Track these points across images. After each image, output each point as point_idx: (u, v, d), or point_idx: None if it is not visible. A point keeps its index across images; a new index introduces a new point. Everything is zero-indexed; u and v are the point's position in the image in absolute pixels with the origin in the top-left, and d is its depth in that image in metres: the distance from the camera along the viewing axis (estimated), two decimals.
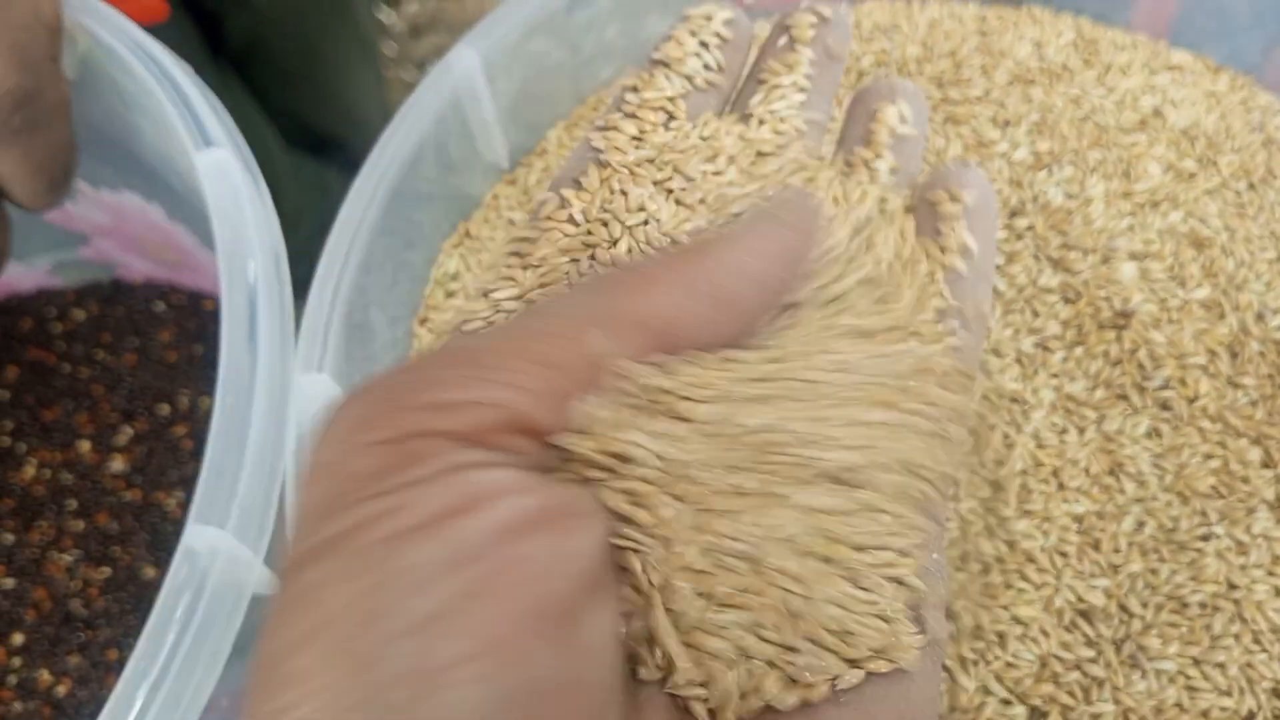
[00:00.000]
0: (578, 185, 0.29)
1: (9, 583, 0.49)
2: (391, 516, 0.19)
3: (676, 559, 0.21)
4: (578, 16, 0.47)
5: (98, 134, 0.44)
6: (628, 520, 0.22)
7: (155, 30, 0.42)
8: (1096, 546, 0.37)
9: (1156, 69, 0.50)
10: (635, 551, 0.21)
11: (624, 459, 0.22)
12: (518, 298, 0.27)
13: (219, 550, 0.32)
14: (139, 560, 0.49)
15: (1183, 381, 0.40)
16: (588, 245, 0.28)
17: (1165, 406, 0.40)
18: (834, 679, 0.22)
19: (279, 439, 0.34)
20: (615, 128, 0.30)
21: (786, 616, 0.22)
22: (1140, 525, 0.38)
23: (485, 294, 0.28)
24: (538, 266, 0.28)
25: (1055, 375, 0.41)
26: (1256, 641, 0.35)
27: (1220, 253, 0.43)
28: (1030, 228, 0.44)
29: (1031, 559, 0.37)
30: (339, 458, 0.20)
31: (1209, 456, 0.39)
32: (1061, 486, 0.38)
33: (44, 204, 0.41)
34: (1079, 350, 0.41)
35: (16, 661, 0.47)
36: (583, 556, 0.20)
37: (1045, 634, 0.36)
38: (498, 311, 0.27)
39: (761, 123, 0.31)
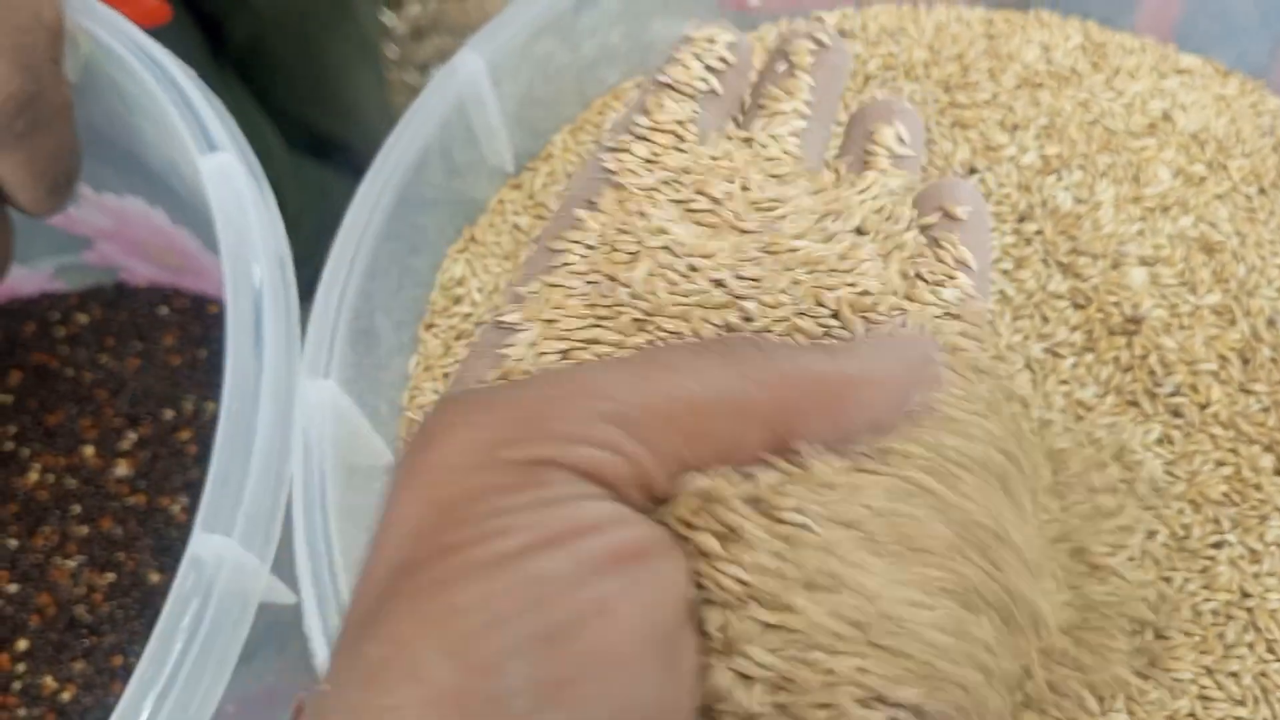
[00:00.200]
0: (592, 206, 0.30)
1: (13, 588, 0.49)
2: (524, 530, 0.19)
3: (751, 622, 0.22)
4: (583, 20, 0.47)
5: (100, 137, 0.44)
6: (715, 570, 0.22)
7: (156, 32, 0.42)
8: None
9: (1165, 73, 0.50)
10: (710, 603, 0.22)
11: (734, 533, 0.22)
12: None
13: (225, 558, 0.32)
14: (143, 565, 0.49)
15: (1194, 388, 0.40)
16: (608, 265, 0.28)
17: (1176, 413, 0.40)
18: None
19: (284, 446, 0.34)
20: (627, 150, 0.30)
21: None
22: (1152, 533, 0.37)
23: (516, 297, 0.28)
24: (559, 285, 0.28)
25: (1065, 381, 0.40)
26: (1270, 650, 0.35)
27: (1231, 258, 0.43)
28: (1039, 233, 0.44)
29: None
30: (470, 464, 0.20)
31: (1221, 463, 0.39)
32: None
33: (47, 209, 0.41)
34: (1089, 356, 0.41)
35: (21, 667, 0.47)
36: (681, 587, 0.21)
37: None
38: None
39: (765, 147, 0.32)
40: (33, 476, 0.52)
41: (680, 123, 0.31)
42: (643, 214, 0.29)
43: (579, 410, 0.21)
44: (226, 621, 0.31)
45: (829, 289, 0.29)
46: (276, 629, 0.35)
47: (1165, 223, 0.44)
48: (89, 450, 0.52)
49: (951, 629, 0.23)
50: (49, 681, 0.47)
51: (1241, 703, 0.34)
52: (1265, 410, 0.39)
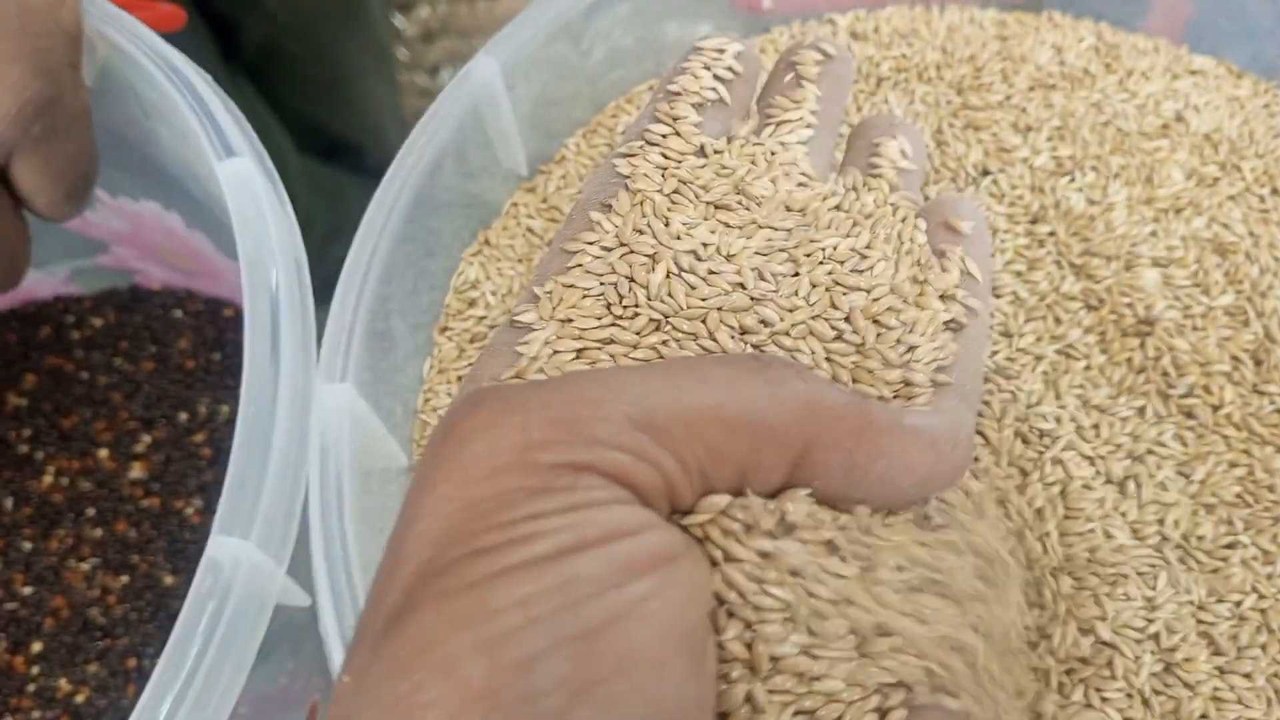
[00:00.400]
0: (607, 209, 0.30)
1: (27, 591, 0.49)
2: (558, 534, 0.20)
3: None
4: (596, 24, 0.47)
5: (116, 142, 0.44)
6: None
7: (170, 38, 0.42)
8: None
9: (1178, 74, 0.50)
10: (731, 615, 0.22)
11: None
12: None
13: (242, 561, 0.32)
14: (158, 568, 0.49)
15: (1207, 389, 0.40)
16: (625, 267, 0.29)
17: (1189, 414, 0.40)
18: None
19: (301, 450, 0.34)
20: (641, 156, 0.31)
21: None
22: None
23: (535, 298, 0.29)
24: (571, 286, 0.29)
25: (1078, 384, 0.40)
26: None
27: (1244, 259, 0.43)
28: (1052, 234, 0.44)
29: None
30: (502, 466, 0.20)
31: (1234, 465, 0.39)
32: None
33: (64, 213, 0.41)
34: (1102, 358, 0.41)
35: (35, 670, 0.48)
36: (707, 589, 0.22)
37: None
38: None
39: (773, 154, 0.32)
40: (47, 479, 0.52)
41: (693, 127, 0.32)
42: (661, 218, 0.30)
43: (612, 415, 0.21)
44: (243, 623, 0.31)
45: (845, 291, 0.29)
46: (290, 630, 0.35)
47: (1178, 224, 0.44)
48: (103, 453, 0.52)
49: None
50: (63, 684, 0.47)
51: (1255, 704, 0.34)
52: (1278, 411, 0.39)
